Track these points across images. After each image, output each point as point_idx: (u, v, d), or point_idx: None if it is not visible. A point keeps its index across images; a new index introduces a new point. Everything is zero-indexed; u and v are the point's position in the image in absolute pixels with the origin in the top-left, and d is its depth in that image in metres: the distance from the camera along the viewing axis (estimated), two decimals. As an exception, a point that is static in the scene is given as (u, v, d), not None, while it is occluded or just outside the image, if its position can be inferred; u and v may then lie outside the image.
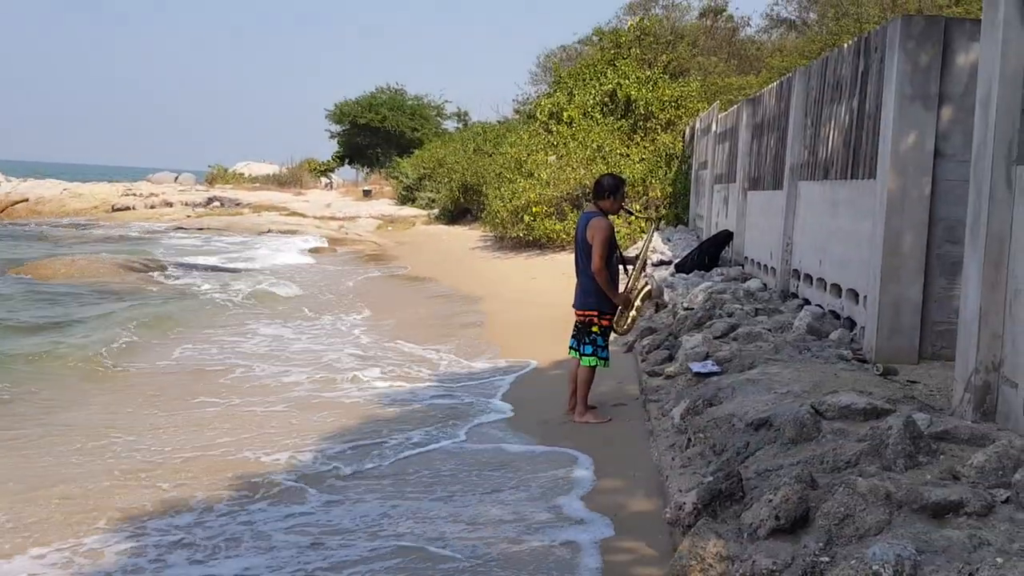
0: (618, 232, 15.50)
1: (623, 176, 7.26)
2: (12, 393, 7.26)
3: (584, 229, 6.23)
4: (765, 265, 10.10)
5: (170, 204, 35.04)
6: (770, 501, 3.46)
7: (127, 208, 34.72)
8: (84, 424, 6.42)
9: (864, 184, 6.85)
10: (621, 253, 6.53)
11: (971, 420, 4.38)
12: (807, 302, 8.21)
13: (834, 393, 4.80)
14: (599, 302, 6.26)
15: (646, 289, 6.46)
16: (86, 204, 35.59)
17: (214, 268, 17.84)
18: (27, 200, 36.11)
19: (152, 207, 34.71)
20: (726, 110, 14.28)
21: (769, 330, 7.26)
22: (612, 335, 6.49)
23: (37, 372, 8.08)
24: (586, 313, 6.31)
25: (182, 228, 27.85)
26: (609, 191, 6.29)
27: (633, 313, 6.42)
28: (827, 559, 3.13)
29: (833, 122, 7.82)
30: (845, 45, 7.89)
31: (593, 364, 6.28)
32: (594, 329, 6.29)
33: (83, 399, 7.20)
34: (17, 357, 8.55)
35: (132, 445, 5.90)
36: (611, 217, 6.39)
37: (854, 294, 7.03)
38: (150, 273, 16.09)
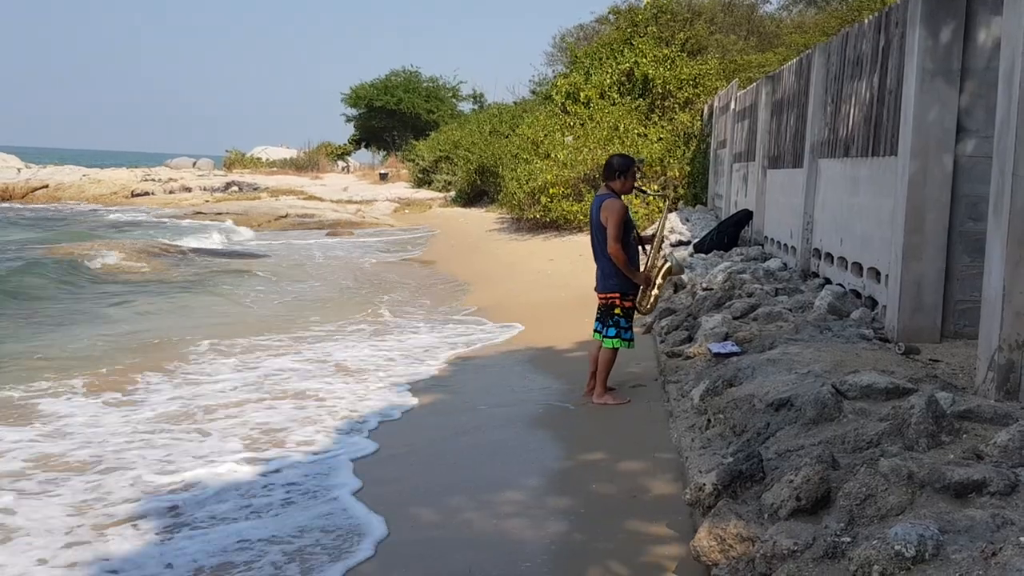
0: (636, 213, 15.48)
1: (633, 156, 7.21)
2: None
3: (598, 212, 6.20)
4: (785, 244, 10.03)
5: (188, 189, 35.24)
6: (791, 482, 3.45)
7: (146, 194, 34.95)
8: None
9: (885, 161, 6.78)
10: (638, 233, 6.50)
11: (994, 399, 4.34)
12: (828, 281, 8.15)
13: (855, 373, 4.78)
14: (620, 284, 6.24)
15: (666, 266, 6.43)
16: (105, 190, 35.84)
17: (239, 254, 17.95)
18: (47, 186, 36.44)
19: (171, 192, 34.92)
20: (745, 88, 14.15)
21: (789, 310, 7.22)
22: (636, 315, 6.47)
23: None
24: (608, 296, 6.29)
25: (200, 213, 27.98)
26: (619, 171, 6.25)
27: (655, 291, 6.40)
28: (849, 539, 3.12)
29: (854, 99, 7.73)
30: (865, 20, 7.79)
31: (617, 346, 6.26)
32: (616, 311, 6.27)
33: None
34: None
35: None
36: (627, 198, 6.34)
37: (875, 273, 6.97)
38: (170, 257, 16.21)
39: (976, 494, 3.20)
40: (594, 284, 6.44)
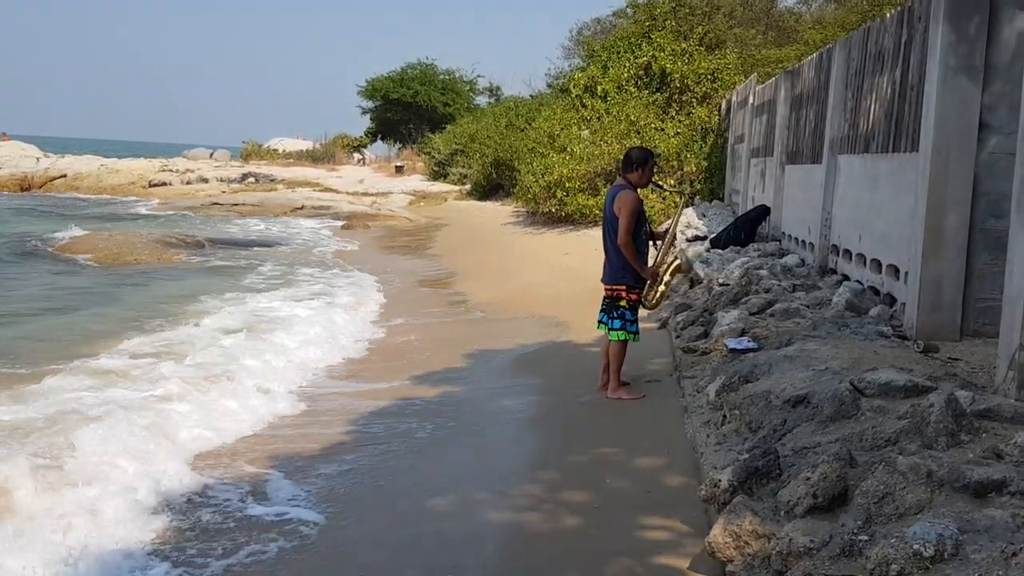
0: (652, 207, 15.40)
1: (652, 149, 7.19)
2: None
3: (612, 202, 6.19)
4: (803, 240, 9.96)
5: (206, 180, 35.39)
6: (808, 479, 3.43)
7: (163, 184, 35.12)
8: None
9: (906, 157, 6.71)
10: (650, 227, 6.47)
11: (1015, 398, 4.30)
12: (846, 278, 8.09)
13: (874, 370, 4.73)
14: (627, 276, 6.22)
15: (675, 263, 6.42)
16: (123, 180, 36.04)
17: (251, 243, 18.01)
18: (65, 176, 36.68)
19: (188, 183, 35.07)
20: (763, 83, 14.06)
21: (807, 306, 7.17)
22: (642, 310, 6.44)
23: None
24: (614, 288, 6.27)
25: (217, 203, 28.06)
26: (637, 163, 6.24)
27: (662, 288, 6.38)
28: (866, 537, 3.09)
29: (874, 94, 7.66)
30: (887, 15, 7.71)
31: (623, 338, 6.24)
32: (621, 303, 6.25)
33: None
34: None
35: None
36: (644, 192, 6.33)
37: (894, 270, 6.92)
38: (188, 249, 16.29)
39: (996, 494, 3.17)
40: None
